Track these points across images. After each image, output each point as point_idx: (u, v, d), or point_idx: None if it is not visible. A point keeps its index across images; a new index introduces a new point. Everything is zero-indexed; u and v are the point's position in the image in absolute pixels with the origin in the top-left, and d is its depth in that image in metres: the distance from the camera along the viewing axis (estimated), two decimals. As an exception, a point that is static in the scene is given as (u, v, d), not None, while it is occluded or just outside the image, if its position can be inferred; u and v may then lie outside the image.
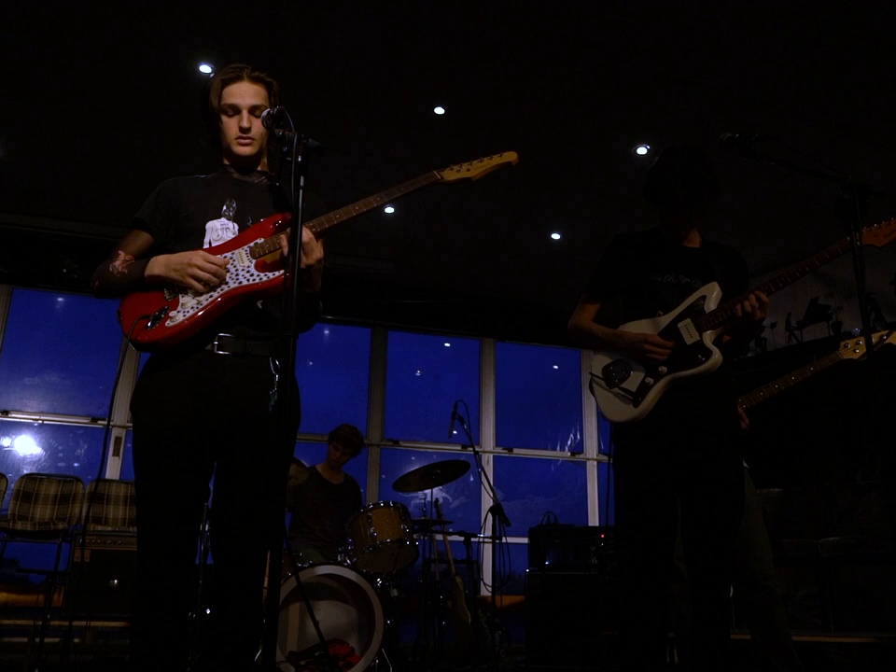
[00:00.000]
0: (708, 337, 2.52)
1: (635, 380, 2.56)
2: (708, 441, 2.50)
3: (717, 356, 2.48)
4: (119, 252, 2.19)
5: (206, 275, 2.05)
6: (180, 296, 2.09)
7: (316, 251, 2.05)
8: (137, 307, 2.11)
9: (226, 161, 2.35)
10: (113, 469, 6.53)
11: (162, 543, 2.01)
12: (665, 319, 2.59)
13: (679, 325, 2.56)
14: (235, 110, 2.25)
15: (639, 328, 2.62)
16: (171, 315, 2.06)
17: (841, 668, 4.35)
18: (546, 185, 5.91)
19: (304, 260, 2.01)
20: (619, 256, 2.73)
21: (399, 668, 4.33)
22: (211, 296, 2.06)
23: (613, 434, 2.66)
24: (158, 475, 2.04)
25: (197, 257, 2.07)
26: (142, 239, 2.24)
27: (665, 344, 2.52)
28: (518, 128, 5.19)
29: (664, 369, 2.52)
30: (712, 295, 2.57)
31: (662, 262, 2.66)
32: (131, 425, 6.63)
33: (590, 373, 2.69)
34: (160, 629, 1.99)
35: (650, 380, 2.53)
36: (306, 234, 2.01)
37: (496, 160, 2.25)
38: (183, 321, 2.04)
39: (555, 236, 6.76)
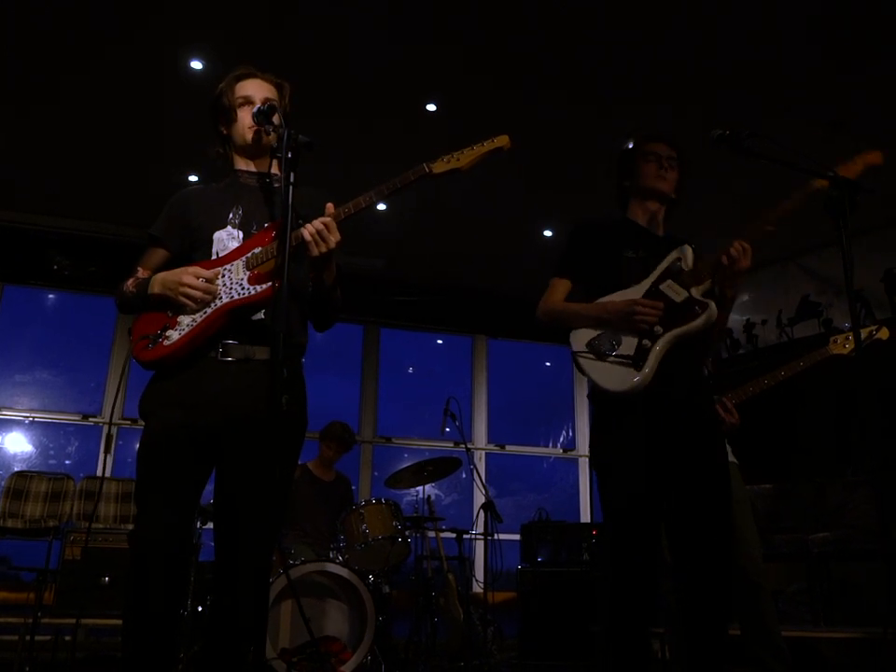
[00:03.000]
0: (697, 292, 2.46)
1: (629, 346, 2.42)
2: (698, 429, 2.44)
3: (713, 306, 2.41)
4: (138, 268, 2.25)
5: (197, 293, 2.08)
6: (179, 314, 2.12)
7: (334, 235, 2.05)
8: (145, 327, 2.17)
9: (237, 165, 2.35)
10: (105, 466, 6.50)
11: (157, 538, 2.02)
12: (645, 284, 2.52)
13: (662, 287, 2.49)
14: (249, 101, 2.27)
15: (621, 297, 2.51)
16: (167, 334, 2.10)
17: (831, 663, 4.38)
18: (537, 182, 5.91)
19: (325, 245, 2.02)
20: (589, 233, 2.71)
21: (390, 665, 4.33)
22: (205, 312, 2.09)
23: (597, 424, 2.56)
24: (157, 473, 2.06)
25: (187, 275, 2.10)
26: (158, 254, 2.28)
27: (657, 304, 2.42)
28: (509, 125, 5.17)
29: (659, 329, 2.41)
30: (687, 255, 2.54)
31: (631, 241, 2.63)
32: (123, 422, 6.65)
33: (572, 352, 2.53)
34: (151, 626, 1.99)
35: (647, 342, 2.40)
36: (326, 218, 2.04)
37: (486, 146, 2.18)
38: (177, 340, 2.08)
39: (547, 233, 6.77)
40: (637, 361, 2.38)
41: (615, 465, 2.45)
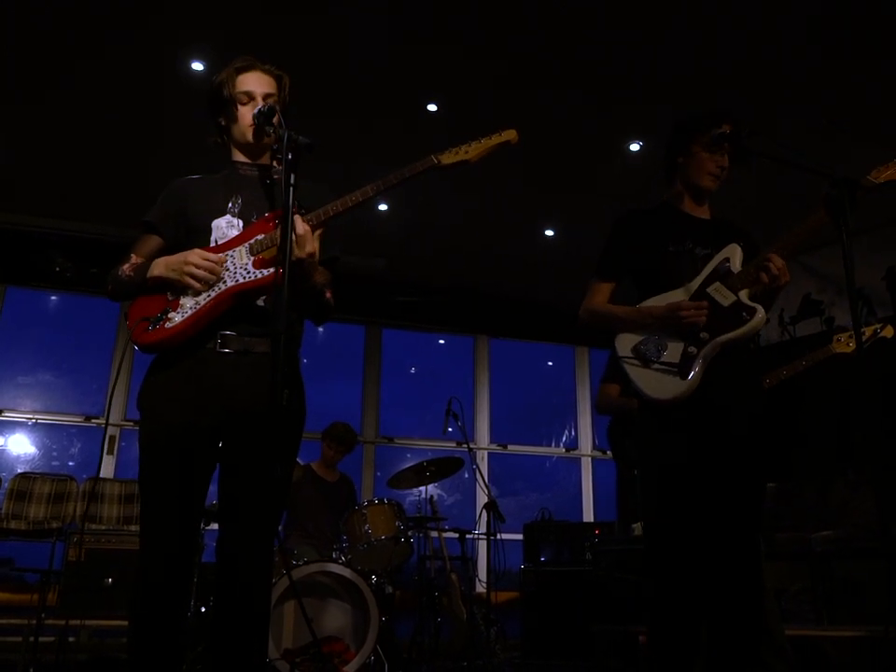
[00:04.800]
0: (745, 295, 2.38)
1: (674, 352, 2.36)
2: (741, 429, 2.39)
3: (762, 312, 2.34)
4: (131, 255, 2.22)
5: (202, 273, 2.06)
6: (181, 297, 2.10)
7: (309, 244, 2.02)
8: (142, 310, 2.13)
9: (235, 157, 2.34)
10: (107, 467, 6.52)
11: (163, 541, 2.02)
12: (692, 287, 2.44)
13: (709, 290, 2.41)
14: (250, 97, 2.25)
15: (665, 300, 2.45)
16: (170, 316, 2.07)
17: (834, 662, 4.37)
18: (539, 181, 5.91)
19: (296, 253, 1.97)
20: (631, 229, 2.61)
21: (394, 665, 4.33)
22: (209, 295, 2.07)
23: (643, 425, 2.51)
24: (159, 473, 2.05)
25: (193, 255, 2.08)
26: (153, 242, 2.26)
27: (702, 306, 2.35)
28: (511, 125, 5.18)
29: (705, 335, 2.34)
30: (736, 256, 2.46)
31: (676, 232, 2.55)
32: (126, 423, 6.66)
33: (618, 357, 2.47)
34: (159, 627, 1.99)
35: (692, 349, 2.34)
36: (301, 227, 2.00)
37: (494, 139, 2.19)
38: (180, 322, 2.06)
39: (549, 233, 6.77)
40: (682, 368, 2.33)
41: (658, 469, 2.42)
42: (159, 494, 2.05)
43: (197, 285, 2.06)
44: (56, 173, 5.91)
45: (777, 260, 2.34)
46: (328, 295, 2.25)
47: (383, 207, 6.29)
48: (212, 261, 2.08)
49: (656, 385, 2.37)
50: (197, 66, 4.61)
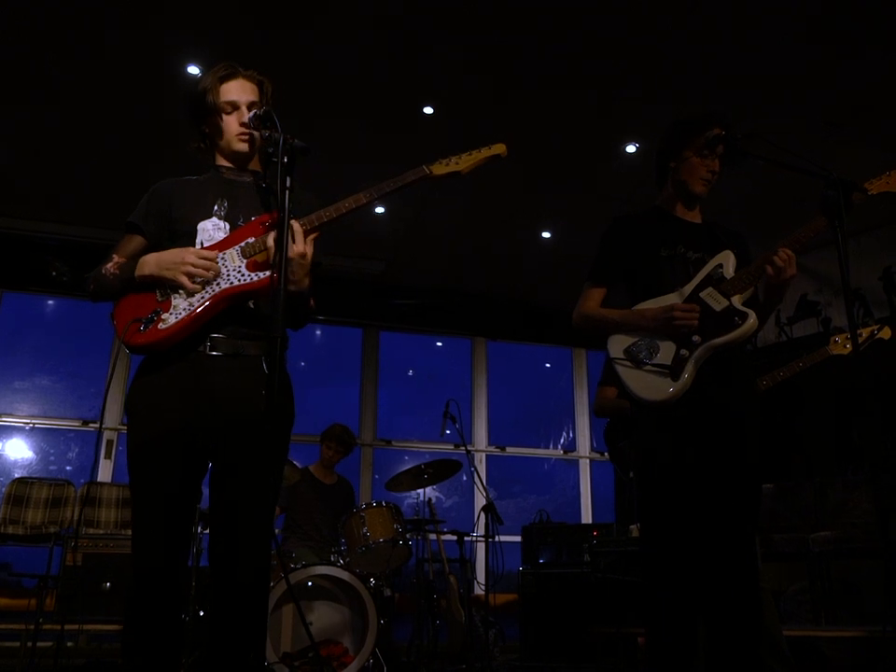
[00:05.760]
0: (738, 301, 2.40)
1: (667, 354, 2.39)
2: (736, 429, 2.41)
3: (753, 317, 2.36)
4: (113, 255, 2.20)
5: (199, 271, 2.04)
6: (172, 297, 2.07)
7: (298, 246, 2.02)
8: (130, 310, 2.10)
9: (218, 162, 2.33)
10: (104, 471, 6.51)
11: (156, 545, 2.01)
12: (685, 291, 2.47)
13: (702, 294, 2.44)
14: (234, 107, 2.24)
15: (658, 304, 2.47)
16: (163, 317, 2.05)
17: (833, 662, 4.37)
18: (536, 184, 5.91)
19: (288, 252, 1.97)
20: (623, 234, 2.62)
21: (393, 668, 4.33)
22: (203, 297, 2.05)
23: (638, 426, 2.52)
24: (151, 477, 2.04)
25: (189, 254, 2.06)
26: (135, 242, 2.24)
27: (694, 308, 2.38)
28: (507, 127, 5.20)
29: (697, 338, 2.37)
30: (729, 262, 2.47)
31: (668, 236, 2.56)
32: (122, 427, 6.65)
33: (611, 358, 2.50)
34: (153, 632, 1.98)
35: (685, 351, 2.37)
36: (294, 226, 2.00)
37: (484, 152, 2.20)
38: (175, 324, 2.03)
39: (546, 235, 6.77)
40: (674, 370, 2.36)
41: (655, 470, 2.43)
42: (150, 497, 2.04)
43: (191, 284, 2.05)
44: (54, 176, 5.91)
45: (784, 254, 2.34)
46: (311, 302, 2.25)
47: (379, 210, 6.29)
48: (209, 260, 2.06)
49: (647, 386, 2.39)
50: (193, 70, 4.61)
